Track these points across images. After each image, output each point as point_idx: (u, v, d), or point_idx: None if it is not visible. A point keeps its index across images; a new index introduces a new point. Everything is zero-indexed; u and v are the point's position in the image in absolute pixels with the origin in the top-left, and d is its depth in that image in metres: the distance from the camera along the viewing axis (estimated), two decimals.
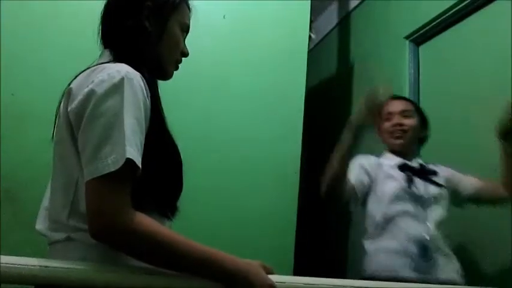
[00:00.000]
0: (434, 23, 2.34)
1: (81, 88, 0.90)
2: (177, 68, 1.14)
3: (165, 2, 1.07)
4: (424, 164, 1.91)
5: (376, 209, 1.84)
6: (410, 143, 1.93)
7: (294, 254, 2.15)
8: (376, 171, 1.89)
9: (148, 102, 0.93)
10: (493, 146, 1.80)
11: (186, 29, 1.14)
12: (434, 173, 1.87)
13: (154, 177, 0.94)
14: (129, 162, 0.82)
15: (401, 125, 1.91)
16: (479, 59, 2.05)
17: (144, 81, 0.93)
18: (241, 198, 2.16)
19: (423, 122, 1.97)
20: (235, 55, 2.28)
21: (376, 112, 1.67)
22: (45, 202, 1.01)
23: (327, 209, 3.35)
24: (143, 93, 0.91)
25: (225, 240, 2.07)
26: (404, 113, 1.93)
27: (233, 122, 2.22)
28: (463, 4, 2.12)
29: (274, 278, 0.95)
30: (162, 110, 1.04)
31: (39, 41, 1.98)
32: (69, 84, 0.96)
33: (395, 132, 1.91)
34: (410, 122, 1.92)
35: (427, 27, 2.40)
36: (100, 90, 0.86)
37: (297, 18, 2.43)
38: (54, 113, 1.03)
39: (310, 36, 2.51)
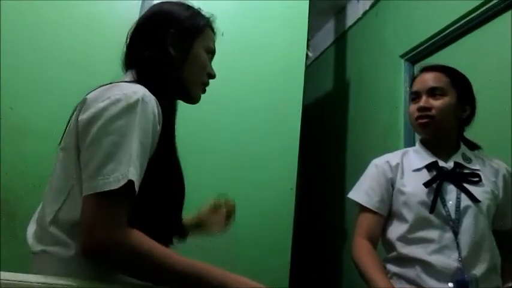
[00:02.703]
0: (429, 42, 2.37)
1: (95, 101, 0.91)
2: (204, 91, 1.17)
3: (189, 27, 1.09)
4: (462, 162, 1.49)
5: (392, 232, 1.51)
6: (442, 131, 1.50)
7: (289, 270, 2.14)
8: (394, 180, 1.54)
9: (159, 128, 0.95)
10: None
11: (211, 52, 1.17)
12: (474, 176, 1.45)
13: (155, 208, 0.96)
14: (130, 183, 0.84)
15: (427, 108, 1.47)
16: (474, 78, 2.07)
17: (159, 107, 0.95)
18: (238, 213, 2.16)
19: (463, 96, 1.51)
20: (233, 71, 2.30)
21: None
22: (39, 206, 1.02)
23: (323, 224, 3.35)
24: (155, 118, 0.93)
25: (220, 256, 2.07)
26: (433, 91, 1.48)
27: (230, 138, 2.23)
28: (458, 24, 2.16)
29: None
30: (174, 140, 1.08)
31: (38, 55, 2.00)
32: (86, 95, 0.97)
33: (420, 118, 1.49)
34: (439, 103, 1.47)
35: (422, 47, 2.43)
36: (114, 108, 0.87)
37: (294, 36, 2.46)
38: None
39: (307, 54, 2.54)
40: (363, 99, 3.05)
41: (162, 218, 1.00)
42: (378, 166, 1.58)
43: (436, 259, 1.36)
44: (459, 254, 1.35)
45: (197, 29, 1.11)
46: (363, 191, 1.57)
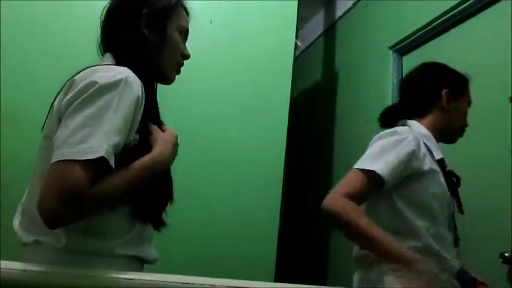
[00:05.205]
0: (418, 34, 2.38)
1: (84, 80, 0.91)
2: (178, 72, 1.16)
3: (162, 8, 1.09)
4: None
5: (417, 221, 1.39)
6: None
7: (275, 258, 2.16)
8: (419, 169, 1.40)
9: (141, 111, 0.95)
10: (473, 159, 1.83)
11: (185, 32, 1.16)
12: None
13: (139, 189, 0.95)
14: (102, 157, 0.83)
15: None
16: (462, 70, 2.08)
17: (143, 92, 0.95)
18: (225, 202, 2.16)
19: None
20: (220, 60, 2.29)
21: None
22: (24, 197, 1.02)
23: (310, 213, 3.37)
24: (138, 100, 0.93)
25: (207, 245, 2.08)
26: None
27: (217, 128, 2.23)
28: (446, 16, 2.16)
29: (255, 284, 0.95)
30: (158, 117, 1.08)
31: (29, 43, 1.97)
32: (72, 77, 0.96)
33: (463, 130, 1.58)
34: None
35: (411, 38, 2.44)
36: (96, 86, 0.88)
37: (284, 26, 2.45)
38: (39, 114, 1.04)
39: (296, 44, 2.53)
40: (351, 90, 3.06)
41: (150, 203, 1.00)
42: (404, 145, 1.39)
43: (449, 256, 1.38)
44: (458, 254, 1.40)
45: (170, 8, 1.10)
46: (382, 162, 1.36)
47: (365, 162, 1.37)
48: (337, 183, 1.52)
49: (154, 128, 1.02)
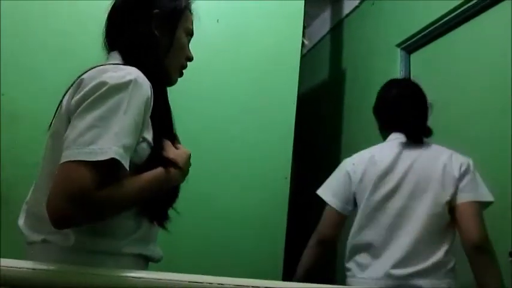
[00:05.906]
0: (425, 31, 2.36)
1: (93, 79, 0.90)
2: (181, 75, 1.16)
3: (172, 9, 1.08)
4: None
5: None
6: None
7: (283, 259, 2.15)
8: None
9: (149, 111, 0.95)
10: (485, 157, 1.81)
11: (190, 34, 1.16)
12: None
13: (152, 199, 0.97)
14: (112, 158, 0.83)
15: None
16: (470, 68, 2.07)
17: (152, 93, 0.95)
18: (232, 202, 2.16)
19: None
20: (227, 59, 2.29)
21: None
22: (29, 196, 1.02)
23: (316, 214, 3.36)
24: (148, 101, 0.93)
25: (215, 245, 2.08)
26: None
27: (224, 127, 2.22)
28: (454, 14, 2.15)
29: (263, 283, 0.94)
30: (170, 119, 1.09)
31: (29, 41, 1.98)
32: (81, 76, 0.96)
33: None
34: None
35: (419, 36, 2.42)
36: (106, 87, 0.87)
37: (290, 24, 2.44)
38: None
39: (303, 42, 2.52)
40: (358, 89, 3.04)
41: (157, 199, 1.00)
42: None
43: None
44: None
45: (180, 10, 1.10)
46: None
47: (487, 194, 1.56)
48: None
49: (168, 144, 1.02)
